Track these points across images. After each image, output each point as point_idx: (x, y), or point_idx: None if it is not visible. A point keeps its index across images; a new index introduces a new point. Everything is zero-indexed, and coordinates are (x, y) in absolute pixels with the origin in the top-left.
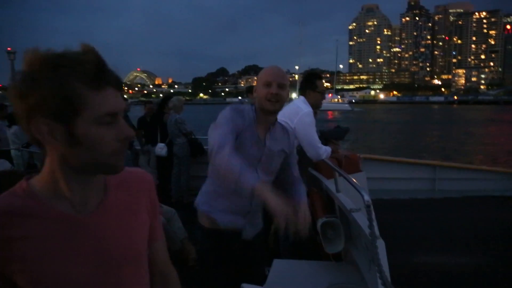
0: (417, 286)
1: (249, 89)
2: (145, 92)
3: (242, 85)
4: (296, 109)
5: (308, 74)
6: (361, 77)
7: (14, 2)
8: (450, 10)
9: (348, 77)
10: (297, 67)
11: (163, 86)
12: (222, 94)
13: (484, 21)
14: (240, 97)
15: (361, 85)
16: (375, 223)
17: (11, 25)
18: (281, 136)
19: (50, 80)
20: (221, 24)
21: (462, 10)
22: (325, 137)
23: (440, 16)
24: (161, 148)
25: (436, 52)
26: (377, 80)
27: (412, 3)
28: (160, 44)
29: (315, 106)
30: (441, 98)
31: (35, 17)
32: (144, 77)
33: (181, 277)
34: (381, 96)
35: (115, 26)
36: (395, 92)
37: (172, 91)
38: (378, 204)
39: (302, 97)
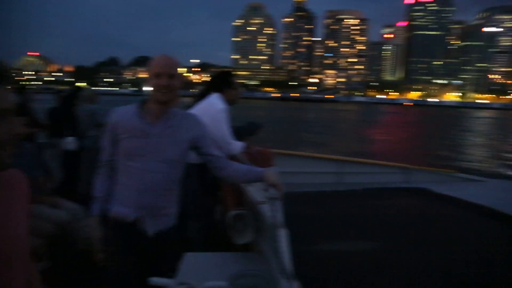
0: (321, 272)
1: None
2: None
3: (128, 76)
4: (210, 106)
5: (223, 72)
6: (241, 73)
7: None
8: (341, 16)
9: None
10: (191, 61)
11: (42, 74)
12: (105, 84)
13: (354, 27)
14: (133, 88)
15: (241, 81)
16: (278, 213)
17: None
18: (180, 124)
19: None
20: (142, 11)
21: (352, 16)
22: (238, 133)
23: (331, 20)
24: (70, 142)
25: (322, 53)
26: (257, 76)
27: (298, 6)
28: (65, 27)
29: (232, 102)
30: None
31: None
32: (36, 62)
33: (89, 278)
34: None
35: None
36: (271, 89)
37: (50, 79)
38: (289, 197)
39: (216, 94)
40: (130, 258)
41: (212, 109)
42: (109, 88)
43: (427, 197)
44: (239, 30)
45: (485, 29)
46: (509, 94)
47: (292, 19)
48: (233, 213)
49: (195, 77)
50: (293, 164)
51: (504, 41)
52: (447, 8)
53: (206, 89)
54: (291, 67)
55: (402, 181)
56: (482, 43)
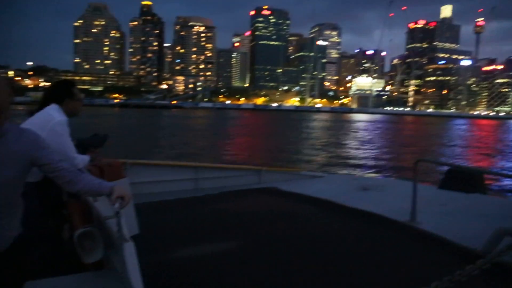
0: (179, 279)
1: None
2: None
3: None
4: (47, 118)
5: (64, 82)
6: (83, 78)
7: None
8: (191, 23)
9: (70, 77)
10: (27, 63)
11: None
12: None
13: (202, 34)
14: None
15: (84, 87)
16: (123, 227)
17: None
18: (14, 142)
19: None
20: None
21: (202, 24)
22: (83, 146)
23: (180, 26)
24: None
25: (172, 59)
26: (103, 82)
27: (145, 9)
28: None
29: (73, 114)
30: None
31: None
32: None
33: None
34: None
35: None
36: (118, 95)
37: None
38: (146, 207)
39: (54, 105)
40: None
41: (50, 121)
42: None
43: (276, 195)
44: (80, 32)
45: (318, 42)
46: (340, 99)
47: (140, 23)
48: (80, 231)
49: (29, 82)
50: (148, 173)
51: (332, 53)
52: (285, 21)
53: (44, 100)
54: (140, 72)
55: (254, 182)
56: (315, 54)
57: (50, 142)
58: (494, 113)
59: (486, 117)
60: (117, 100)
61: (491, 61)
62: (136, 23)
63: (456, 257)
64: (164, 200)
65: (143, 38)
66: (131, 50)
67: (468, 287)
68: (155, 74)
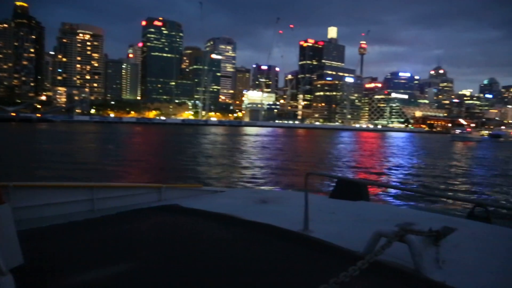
0: None
1: None
2: None
3: None
4: None
5: None
6: None
7: None
8: (77, 30)
9: None
10: None
11: None
12: None
13: (88, 43)
14: None
15: None
16: (1, 259)
17: None
18: None
19: None
20: None
21: (91, 32)
22: None
23: (64, 33)
24: None
25: (50, 68)
26: None
27: (19, 11)
28: None
29: None
30: None
31: None
32: None
33: None
34: None
35: None
36: None
37: None
38: (34, 233)
39: None
40: None
41: None
42: None
43: (177, 213)
44: None
45: (213, 56)
46: (234, 112)
47: (12, 26)
48: None
49: None
50: (36, 196)
51: (228, 67)
52: (178, 34)
53: None
54: (14, 82)
55: (155, 200)
56: (211, 67)
57: None
58: (373, 126)
59: (367, 129)
60: None
61: (373, 79)
62: (6, 25)
63: (342, 260)
64: (54, 225)
65: (16, 43)
66: (1, 56)
67: (352, 286)
68: (32, 84)
